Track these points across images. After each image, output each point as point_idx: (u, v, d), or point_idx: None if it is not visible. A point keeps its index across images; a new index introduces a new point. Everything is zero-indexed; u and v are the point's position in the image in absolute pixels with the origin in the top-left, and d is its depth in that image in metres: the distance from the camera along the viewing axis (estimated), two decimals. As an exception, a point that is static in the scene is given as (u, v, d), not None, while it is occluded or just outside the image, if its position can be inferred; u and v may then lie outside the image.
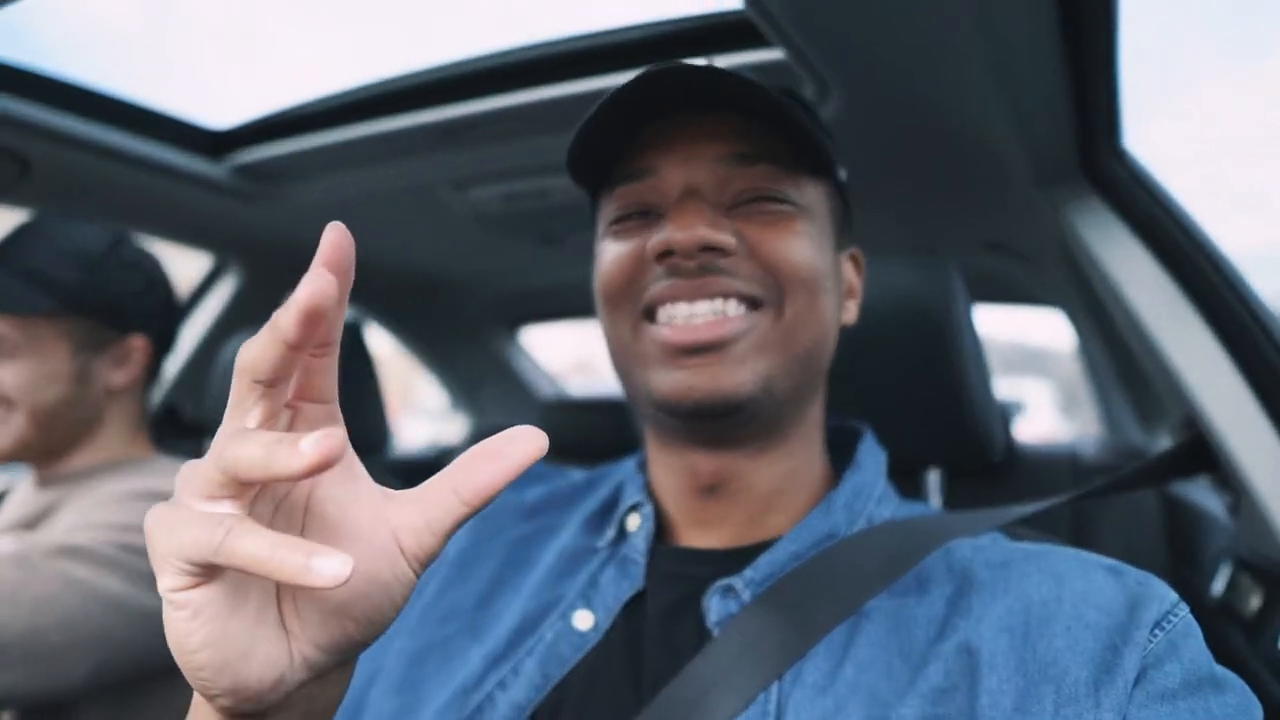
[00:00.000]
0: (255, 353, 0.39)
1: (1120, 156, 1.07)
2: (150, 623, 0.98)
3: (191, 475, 0.39)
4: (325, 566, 0.34)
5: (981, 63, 0.92)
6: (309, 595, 0.41)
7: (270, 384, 0.39)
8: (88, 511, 1.03)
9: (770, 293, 0.63)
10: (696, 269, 0.62)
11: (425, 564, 0.43)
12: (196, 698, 0.46)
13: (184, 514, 0.38)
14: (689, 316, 0.62)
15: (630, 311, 0.66)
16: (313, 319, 0.37)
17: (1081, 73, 0.92)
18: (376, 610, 0.42)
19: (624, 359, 0.68)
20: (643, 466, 0.76)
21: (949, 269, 0.96)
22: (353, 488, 0.43)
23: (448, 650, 0.69)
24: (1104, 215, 1.11)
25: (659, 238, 0.62)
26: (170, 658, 0.38)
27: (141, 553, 0.99)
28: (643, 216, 0.67)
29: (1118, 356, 2.09)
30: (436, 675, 0.67)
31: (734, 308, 0.62)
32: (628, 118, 0.65)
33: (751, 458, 0.67)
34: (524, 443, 0.41)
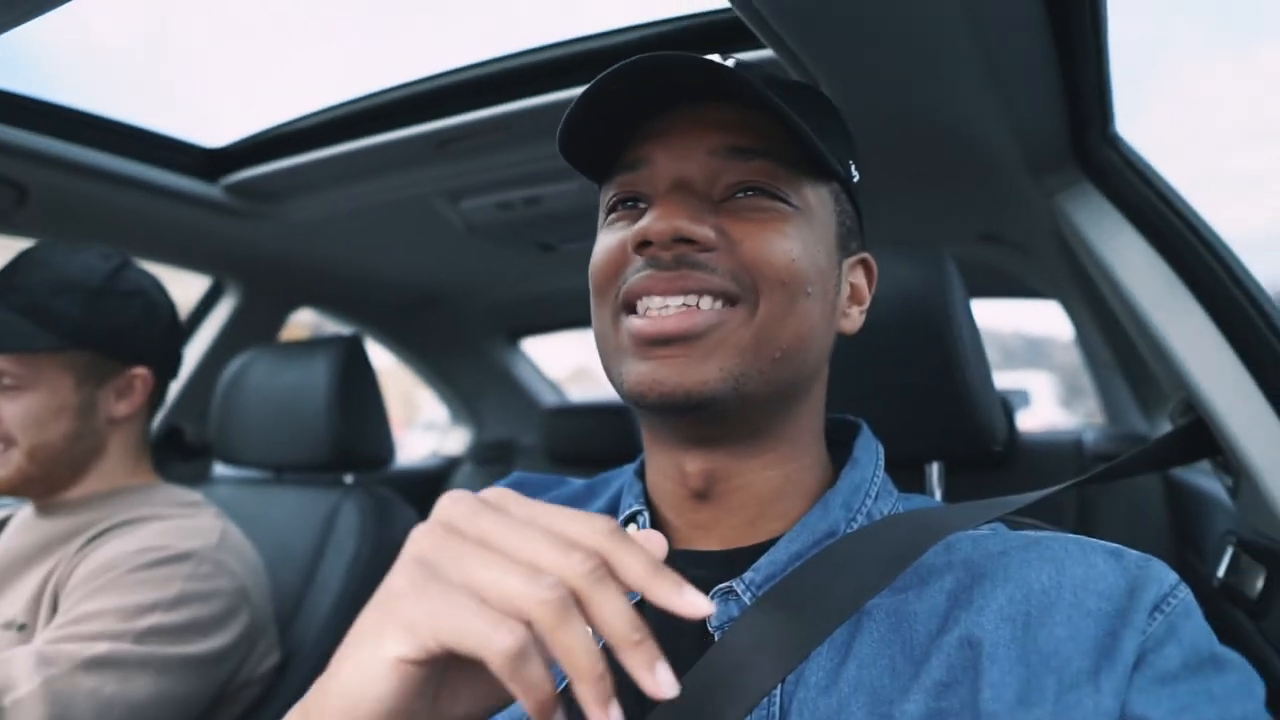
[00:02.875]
0: None
1: (1112, 142, 1.07)
2: (180, 702, 0.99)
3: (512, 536, 0.42)
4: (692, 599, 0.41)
5: (970, 54, 0.92)
6: (472, 675, 0.44)
7: None
8: (97, 593, 0.99)
9: (745, 291, 0.61)
10: (672, 261, 0.61)
11: None
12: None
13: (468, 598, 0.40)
14: (662, 308, 0.61)
15: (612, 302, 0.65)
16: None
17: (1071, 59, 0.92)
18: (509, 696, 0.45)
19: (605, 350, 0.67)
20: (641, 473, 0.75)
21: (944, 259, 0.95)
22: None
23: None
24: (1097, 201, 1.11)
25: (638, 227, 0.61)
26: None
27: (163, 632, 0.98)
28: (634, 206, 0.66)
29: (1116, 344, 2.09)
30: None
31: (708, 303, 0.61)
32: (624, 108, 0.64)
33: (739, 459, 0.66)
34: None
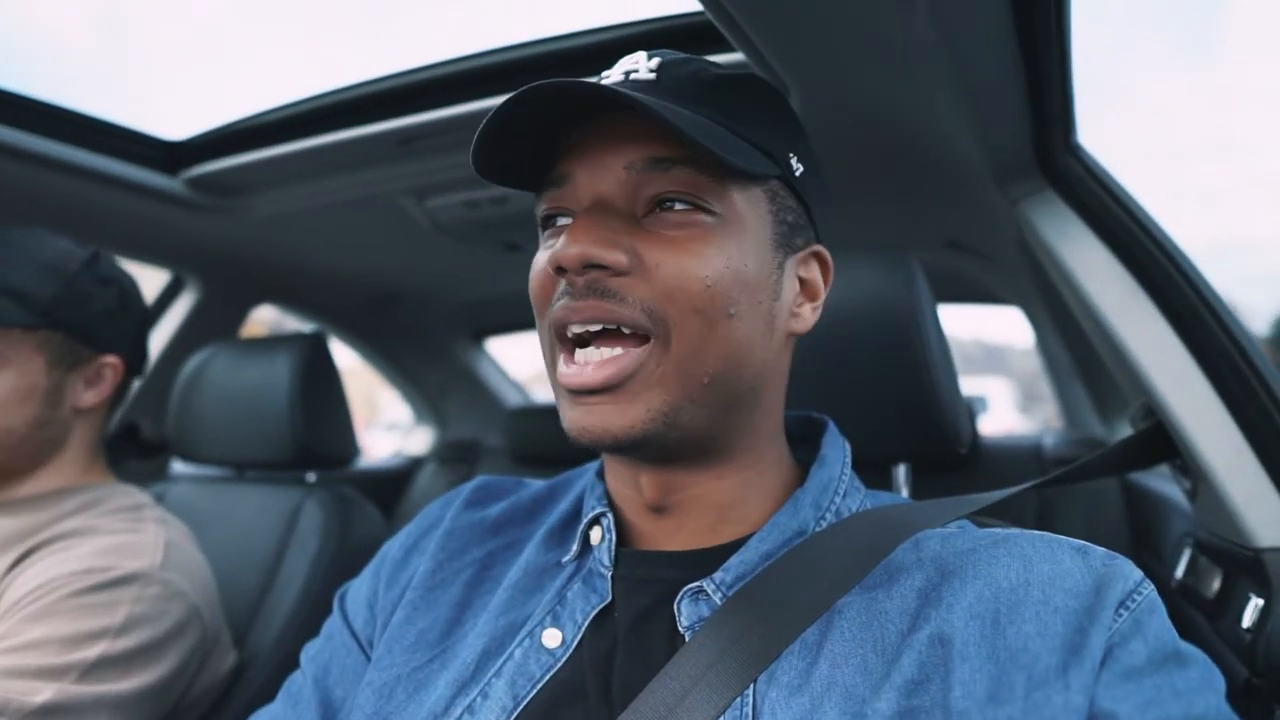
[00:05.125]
0: None
1: (1074, 151, 1.08)
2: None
3: None
4: None
5: (938, 63, 0.93)
6: None
7: None
8: (36, 619, 0.94)
9: (656, 324, 0.59)
10: (584, 288, 0.59)
11: None
12: None
13: None
14: (583, 331, 0.60)
15: (547, 327, 0.64)
16: None
17: (1036, 69, 0.94)
18: None
19: (549, 372, 0.66)
20: (602, 474, 0.74)
21: (912, 263, 0.96)
22: None
23: (417, 680, 0.68)
24: (1060, 210, 1.12)
25: (552, 252, 0.60)
26: None
27: (112, 663, 0.94)
28: (565, 222, 0.65)
29: (1075, 351, 2.13)
30: (406, 706, 0.66)
31: (622, 347, 0.60)
32: (543, 123, 0.63)
33: (692, 473, 0.66)
34: None
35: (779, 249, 0.64)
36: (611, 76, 0.64)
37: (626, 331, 0.60)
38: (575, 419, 0.61)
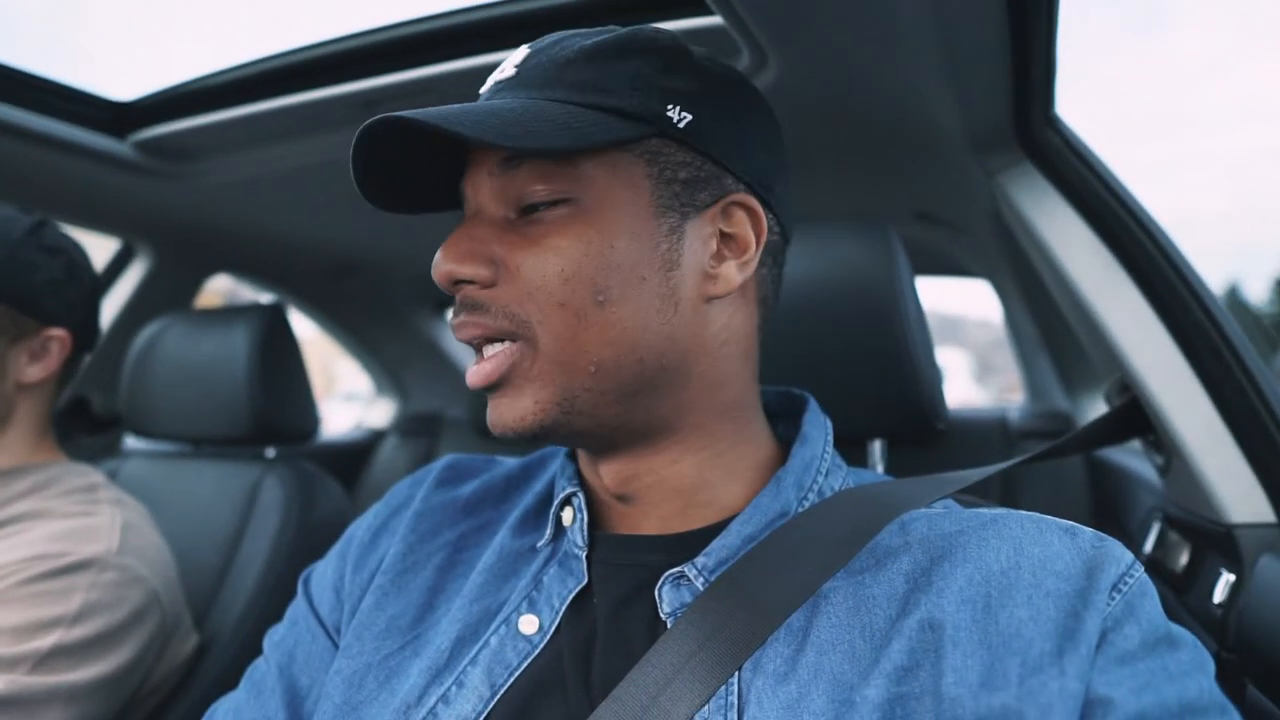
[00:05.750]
0: None
1: (1053, 123, 1.07)
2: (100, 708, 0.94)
3: None
4: None
5: (926, 29, 0.90)
6: None
7: None
8: None
9: (520, 326, 0.59)
10: (460, 304, 0.61)
11: None
12: None
13: None
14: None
15: None
16: None
17: (1022, 38, 0.92)
18: None
19: None
20: (573, 454, 0.73)
21: (890, 234, 0.95)
22: None
23: (388, 668, 0.66)
24: (1038, 182, 1.11)
25: None
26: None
27: (67, 653, 0.90)
28: None
29: (1044, 324, 2.14)
30: (378, 696, 0.64)
31: (495, 347, 0.61)
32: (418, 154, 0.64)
33: (642, 459, 0.64)
34: None
35: (669, 213, 0.61)
36: (488, 82, 0.65)
37: (490, 352, 0.61)
38: (487, 413, 0.63)
